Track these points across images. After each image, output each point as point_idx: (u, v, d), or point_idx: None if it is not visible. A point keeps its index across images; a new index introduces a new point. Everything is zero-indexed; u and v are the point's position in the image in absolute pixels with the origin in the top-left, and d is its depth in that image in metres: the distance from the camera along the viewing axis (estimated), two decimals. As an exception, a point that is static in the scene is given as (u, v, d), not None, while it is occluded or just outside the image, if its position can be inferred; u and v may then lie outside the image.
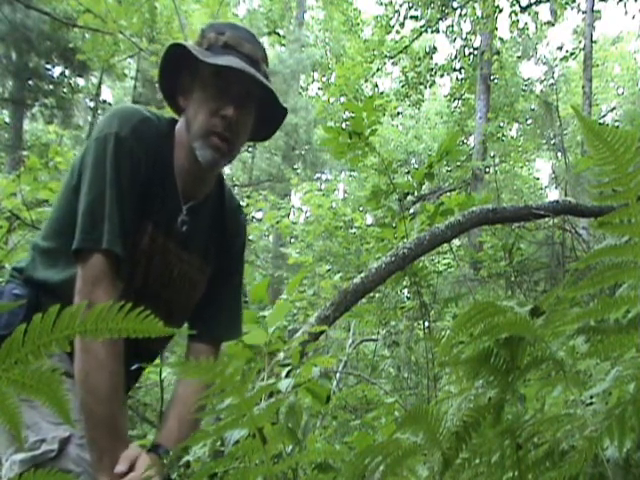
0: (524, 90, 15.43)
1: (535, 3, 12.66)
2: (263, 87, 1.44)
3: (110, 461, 1.31)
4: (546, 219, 4.51)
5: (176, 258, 1.52)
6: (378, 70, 14.32)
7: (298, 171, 16.40)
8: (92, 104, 15.34)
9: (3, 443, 1.38)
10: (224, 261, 1.64)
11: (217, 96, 1.42)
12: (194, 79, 1.46)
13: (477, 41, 13.78)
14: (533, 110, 15.57)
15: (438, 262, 5.85)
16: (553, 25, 13.04)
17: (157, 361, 3.27)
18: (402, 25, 13.11)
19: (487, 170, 12.47)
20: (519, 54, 16.17)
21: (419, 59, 14.16)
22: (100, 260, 1.35)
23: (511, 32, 13.82)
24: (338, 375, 3.92)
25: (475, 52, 13.79)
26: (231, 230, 1.64)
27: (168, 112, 1.64)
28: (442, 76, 14.84)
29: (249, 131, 1.52)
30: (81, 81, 15.21)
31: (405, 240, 3.71)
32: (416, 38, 13.77)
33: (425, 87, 14.87)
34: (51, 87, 13.40)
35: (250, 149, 15.87)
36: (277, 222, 7.64)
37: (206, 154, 1.43)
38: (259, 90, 1.45)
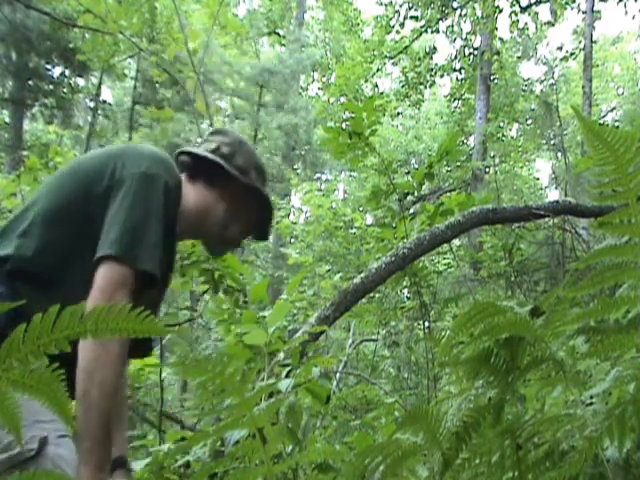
0: (524, 90, 15.42)
1: (535, 3, 12.66)
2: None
3: (98, 456, 1.32)
4: (546, 219, 4.51)
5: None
6: (378, 70, 14.32)
7: (298, 171, 16.38)
8: (92, 104, 15.34)
9: None
10: None
11: (251, 226, 1.79)
12: (242, 193, 1.72)
13: (477, 41, 13.78)
14: (533, 110, 15.56)
15: (438, 262, 5.86)
16: (553, 25, 13.04)
17: (157, 361, 3.27)
18: (402, 25, 13.11)
19: (487, 170, 12.46)
20: (519, 54, 16.17)
21: (419, 59, 14.15)
22: (131, 274, 1.44)
23: (511, 32, 13.83)
24: (338, 375, 3.92)
25: (475, 52, 13.79)
26: None
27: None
28: (442, 76, 14.84)
29: None
30: (81, 81, 15.21)
31: (405, 240, 3.71)
32: (416, 38, 13.77)
33: (425, 87, 14.87)
34: (51, 87, 13.40)
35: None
36: (277, 222, 7.65)
37: (222, 251, 1.92)
38: None
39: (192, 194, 1.69)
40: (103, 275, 1.41)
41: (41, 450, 1.30)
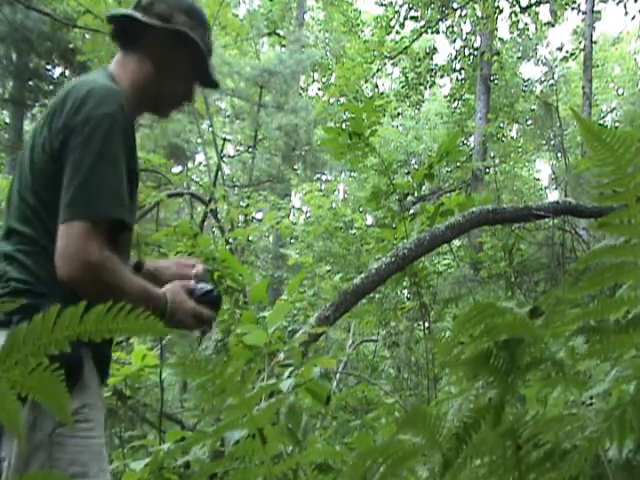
0: (524, 91, 15.41)
1: (535, 4, 12.66)
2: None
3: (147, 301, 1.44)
4: (546, 220, 4.51)
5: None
6: (378, 71, 14.32)
7: (298, 172, 16.37)
8: (92, 105, 15.30)
9: None
10: None
11: (189, 75, 1.70)
12: (166, 43, 1.63)
13: (477, 42, 13.78)
14: (533, 111, 15.55)
15: (438, 263, 5.85)
16: (553, 26, 13.04)
17: (157, 361, 3.27)
18: (402, 26, 13.10)
19: (487, 171, 12.46)
20: (519, 55, 16.16)
21: (419, 60, 14.15)
22: (94, 227, 1.41)
23: (511, 33, 13.83)
24: (338, 376, 3.92)
25: (475, 53, 13.79)
26: None
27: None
28: (442, 77, 14.84)
29: None
30: (81, 82, 15.20)
31: (405, 241, 3.71)
32: (416, 39, 13.76)
33: (425, 88, 14.86)
34: (51, 88, 13.39)
35: (250, 150, 15.87)
36: (277, 223, 7.65)
37: (171, 113, 1.76)
38: None
39: (124, 74, 1.61)
40: (62, 238, 1.39)
41: None
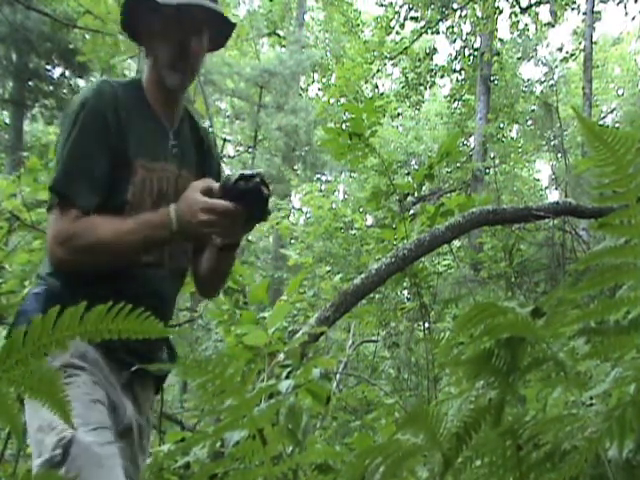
0: (524, 91, 15.41)
1: (535, 4, 12.66)
2: (215, 14, 1.65)
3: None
4: (546, 220, 4.51)
5: (173, 176, 1.68)
6: (378, 71, 14.32)
7: (298, 172, 16.36)
8: (92, 105, 15.26)
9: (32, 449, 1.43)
10: (208, 168, 1.81)
11: (179, 29, 1.62)
12: (153, 17, 1.62)
13: (477, 42, 13.79)
14: (533, 111, 15.55)
15: (438, 263, 5.85)
16: (553, 26, 13.04)
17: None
18: (402, 26, 13.11)
19: (487, 171, 12.46)
20: (519, 55, 16.16)
21: (419, 60, 14.16)
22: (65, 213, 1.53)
23: (511, 33, 13.85)
24: (338, 376, 3.92)
25: (475, 53, 13.79)
26: (208, 144, 1.84)
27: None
28: (442, 77, 14.85)
29: (205, 50, 1.74)
30: (81, 82, 15.21)
31: (405, 241, 3.71)
32: (416, 39, 13.77)
33: (425, 88, 14.87)
34: (51, 88, 13.38)
35: (250, 150, 15.87)
36: (277, 223, 7.64)
37: (175, 78, 1.65)
38: (210, 15, 1.66)
39: (145, 72, 1.70)
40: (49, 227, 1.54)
41: (66, 453, 1.34)
